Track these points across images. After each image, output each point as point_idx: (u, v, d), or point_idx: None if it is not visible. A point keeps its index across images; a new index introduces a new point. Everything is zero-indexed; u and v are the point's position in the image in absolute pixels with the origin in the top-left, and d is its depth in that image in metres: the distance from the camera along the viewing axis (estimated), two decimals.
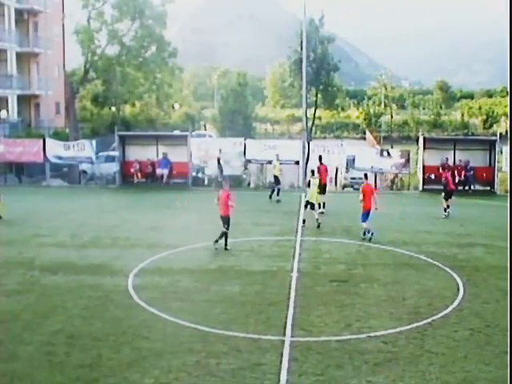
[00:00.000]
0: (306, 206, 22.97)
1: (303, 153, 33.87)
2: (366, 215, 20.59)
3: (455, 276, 16.37)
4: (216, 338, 12.06)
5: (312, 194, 22.54)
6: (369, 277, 16.28)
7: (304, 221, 22.68)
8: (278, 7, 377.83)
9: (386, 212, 24.03)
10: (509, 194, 6.35)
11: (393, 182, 37.50)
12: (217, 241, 18.96)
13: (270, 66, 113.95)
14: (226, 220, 19.00)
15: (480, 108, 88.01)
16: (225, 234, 18.96)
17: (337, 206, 28.24)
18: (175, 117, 73.61)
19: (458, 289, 15.29)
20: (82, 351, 11.40)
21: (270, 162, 34.37)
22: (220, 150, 33.63)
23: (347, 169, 35.19)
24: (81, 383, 10.22)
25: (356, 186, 36.46)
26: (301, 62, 42.20)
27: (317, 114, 60.50)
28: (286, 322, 12.83)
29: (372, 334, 12.25)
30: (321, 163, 27.80)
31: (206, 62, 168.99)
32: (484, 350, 11.63)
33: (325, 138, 77.18)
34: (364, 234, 20.58)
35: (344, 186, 36.79)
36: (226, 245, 18.94)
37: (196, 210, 26.62)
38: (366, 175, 22.26)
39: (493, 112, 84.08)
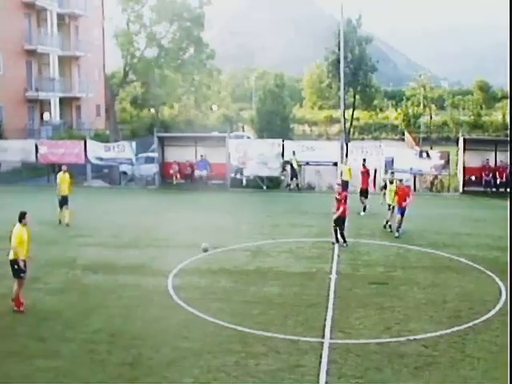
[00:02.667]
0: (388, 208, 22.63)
1: (341, 154, 33.71)
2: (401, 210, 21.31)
3: (497, 279, 16.07)
4: (255, 338, 12.11)
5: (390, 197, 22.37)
6: (408, 279, 16.13)
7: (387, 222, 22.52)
8: (315, 8, 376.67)
9: (426, 214, 23.80)
10: (509, 194, 6.26)
11: (432, 183, 36.97)
12: (339, 240, 19.80)
13: (308, 67, 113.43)
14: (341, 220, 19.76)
15: None
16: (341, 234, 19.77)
17: (375, 208, 28.03)
18: (213, 118, 73.98)
19: (500, 293, 15.01)
20: (123, 350, 11.57)
21: (307, 163, 34.40)
22: (294, 153, 33.17)
23: (386, 170, 34.82)
24: (122, 381, 10.38)
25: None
26: (338, 62, 42.16)
27: (355, 115, 60.32)
28: (324, 324, 12.80)
29: (412, 338, 12.13)
30: (364, 166, 27.95)
31: (244, 63, 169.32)
32: None
33: (363, 139, 76.65)
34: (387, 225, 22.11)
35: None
36: (345, 241, 19.87)
37: (234, 210, 26.72)
38: (401, 180, 22.58)
39: None
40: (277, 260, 18.22)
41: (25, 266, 13.58)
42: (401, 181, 22.39)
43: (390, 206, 22.32)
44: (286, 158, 33.83)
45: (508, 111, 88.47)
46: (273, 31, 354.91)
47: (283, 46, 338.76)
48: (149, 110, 67.39)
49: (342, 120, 38.98)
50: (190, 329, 12.62)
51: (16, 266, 13.51)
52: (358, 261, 18.13)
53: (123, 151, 34.99)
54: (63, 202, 23.32)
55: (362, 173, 27.69)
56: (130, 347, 11.68)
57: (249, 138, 55.30)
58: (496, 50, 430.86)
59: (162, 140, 35.56)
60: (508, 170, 31.84)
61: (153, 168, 35.29)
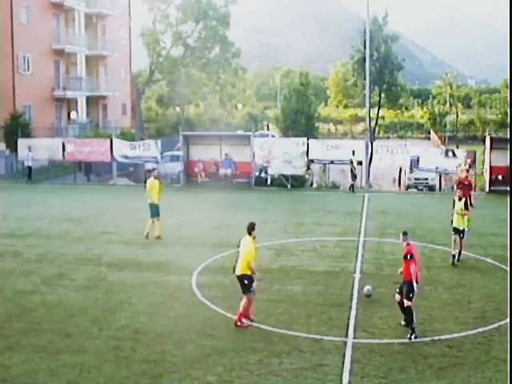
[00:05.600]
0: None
1: (366, 153, 33.56)
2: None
3: None
4: (278, 337, 12.13)
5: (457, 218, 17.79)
6: (433, 279, 15.99)
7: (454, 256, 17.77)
8: (341, 7, 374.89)
9: (451, 214, 23.53)
10: (509, 194, 6.14)
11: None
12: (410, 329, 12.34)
13: (333, 65, 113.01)
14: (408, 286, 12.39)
15: None
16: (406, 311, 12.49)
17: (401, 207, 27.90)
18: (238, 117, 74.11)
19: None
20: (147, 347, 11.68)
21: (332, 162, 34.25)
22: (353, 152, 32.81)
23: (411, 169, 34.62)
24: (146, 378, 10.47)
25: (420, 187, 35.90)
26: (364, 61, 41.91)
27: (380, 114, 59.77)
28: (348, 324, 12.78)
29: (436, 338, 12.06)
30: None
31: (269, 62, 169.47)
32: None
33: (388, 137, 76.29)
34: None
35: (408, 187, 36.22)
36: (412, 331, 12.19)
37: (259, 209, 26.76)
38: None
39: None
40: (300, 259, 18.21)
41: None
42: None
43: (457, 230, 17.66)
44: (310, 157, 33.75)
45: None
46: (298, 29, 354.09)
47: (308, 44, 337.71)
48: (174, 108, 67.75)
49: (367, 119, 38.77)
50: (214, 327, 12.68)
51: (246, 281, 12.70)
52: (383, 260, 18.03)
53: (148, 149, 35.22)
54: (154, 211, 20.97)
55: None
56: (154, 344, 11.79)
57: (273, 136, 55.34)
58: None
59: (187, 138, 35.71)
60: None
61: (178, 166, 35.47)
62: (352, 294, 14.71)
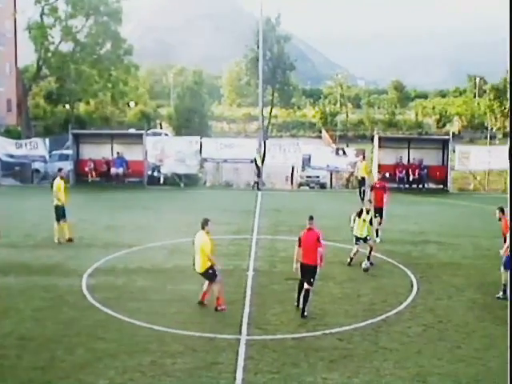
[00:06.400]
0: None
1: (259, 151, 33.93)
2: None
3: (409, 273, 16.63)
4: (172, 337, 11.99)
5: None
6: (324, 275, 16.27)
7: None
8: (235, 6, 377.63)
9: (343, 210, 24.24)
10: (509, 194, 6.39)
11: (348, 180, 37.87)
12: (303, 313, 13.26)
13: (227, 64, 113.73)
14: (311, 272, 13.40)
15: (434, 108, 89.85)
16: (306, 294, 13.32)
17: (293, 205, 28.40)
18: (131, 115, 72.83)
19: (412, 285, 15.55)
20: (35, 353, 11.18)
21: (225, 161, 34.39)
22: (257, 150, 32.77)
23: (303, 167, 35.37)
24: None
25: (312, 185, 36.73)
26: (257, 60, 42.41)
27: (273, 113, 60.83)
28: (241, 321, 12.84)
29: (327, 332, 12.36)
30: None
31: (163, 59, 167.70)
32: (437, 345, 11.85)
33: (281, 136, 77.54)
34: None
35: (300, 185, 36.97)
36: (303, 311, 13.27)
37: (152, 208, 26.41)
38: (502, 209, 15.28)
39: (446, 112, 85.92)
40: None
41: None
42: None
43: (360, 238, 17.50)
44: (203, 156, 33.74)
45: (420, 110, 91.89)
46: (192, 27, 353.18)
47: (202, 42, 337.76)
48: (64, 105, 65.52)
49: (261, 117, 39.20)
50: (106, 329, 12.35)
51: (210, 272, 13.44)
52: (276, 257, 18.27)
53: (36, 148, 33.91)
54: (60, 213, 19.93)
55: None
56: (41, 351, 11.31)
57: (166, 135, 54.82)
58: (411, 51, 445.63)
59: (77, 137, 34.69)
60: (420, 167, 33.01)
61: (67, 166, 34.28)
62: (245, 292, 14.80)
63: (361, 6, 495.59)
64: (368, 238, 17.42)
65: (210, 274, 13.45)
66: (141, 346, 11.55)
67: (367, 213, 17.46)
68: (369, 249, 17.28)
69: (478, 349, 11.75)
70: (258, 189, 32.42)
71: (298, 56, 71.63)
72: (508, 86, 41.89)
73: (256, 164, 32.72)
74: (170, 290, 14.93)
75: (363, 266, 16.89)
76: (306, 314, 13.15)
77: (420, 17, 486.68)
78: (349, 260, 17.48)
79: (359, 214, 17.31)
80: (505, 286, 14.39)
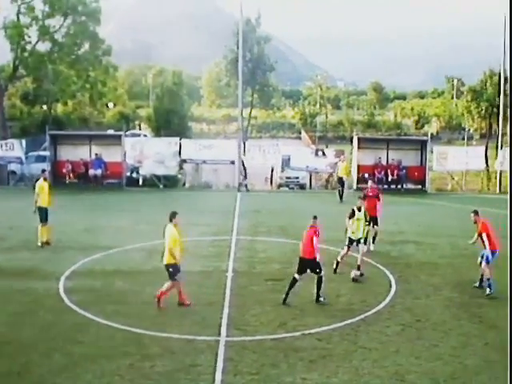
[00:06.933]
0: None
1: (239, 152, 33.92)
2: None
3: (388, 273, 16.71)
4: (151, 340, 11.90)
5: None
6: (304, 275, 16.34)
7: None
8: (215, 6, 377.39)
9: (323, 211, 24.28)
10: (509, 194, 6.41)
11: (327, 181, 38.02)
12: (318, 299, 14.21)
13: (206, 65, 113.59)
14: (311, 264, 14.21)
15: (412, 109, 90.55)
16: (319, 282, 14.24)
17: (273, 205, 28.43)
18: (109, 116, 72.31)
19: (391, 285, 15.62)
20: (10, 358, 11.02)
21: (204, 162, 34.34)
22: (244, 152, 32.85)
23: (282, 168, 35.43)
24: None
25: (291, 186, 36.78)
26: (237, 61, 42.39)
27: (253, 114, 60.90)
28: (221, 322, 12.78)
29: (306, 332, 12.35)
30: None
31: (142, 60, 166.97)
32: (415, 344, 11.91)
33: (260, 137, 77.51)
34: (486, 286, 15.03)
35: (279, 186, 37.03)
36: (318, 296, 14.24)
37: (130, 210, 26.25)
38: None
39: (424, 113, 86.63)
40: None
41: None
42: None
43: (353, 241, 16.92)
44: (183, 157, 33.67)
45: (399, 112, 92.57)
46: (172, 28, 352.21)
47: (182, 43, 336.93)
48: (41, 106, 64.85)
49: (240, 118, 39.14)
50: (83, 333, 12.23)
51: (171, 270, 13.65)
52: (255, 258, 18.25)
53: (12, 149, 33.61)
54: (43, 215, 19.70)
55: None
56: (17, 355, 11.14)
57: (145, 136, 54.60)
58: (389, 52, 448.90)
59: (54, 138, 34.42)
60: (399, 168, 33.24)
61: (44, 167, 33.92)
62: (225, 293, 14.74)
63: (341, 7, 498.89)
64: (361, 240, 16.66)
65: (169, 271, 13.62)
66: (119, 349, 11.44)
67: (359, 210, 16.75)
68: (359, 254, 16.46)
69: (454, 347, 11.83)
70: (247, 190, 32.55)
71: (278, 57, 71.78)
72: (492, 86, 42.36)
73: (243, 165, 32.89)
74: (148, 292, 14.77)
75: (352, 274, 16.08)
76: (321, 298, 14.06)
77: (397, 18, 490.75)
78: (334, 266, 16.67)
79: (351, 216, 16.70)
80: (482, 276, 15.10)
